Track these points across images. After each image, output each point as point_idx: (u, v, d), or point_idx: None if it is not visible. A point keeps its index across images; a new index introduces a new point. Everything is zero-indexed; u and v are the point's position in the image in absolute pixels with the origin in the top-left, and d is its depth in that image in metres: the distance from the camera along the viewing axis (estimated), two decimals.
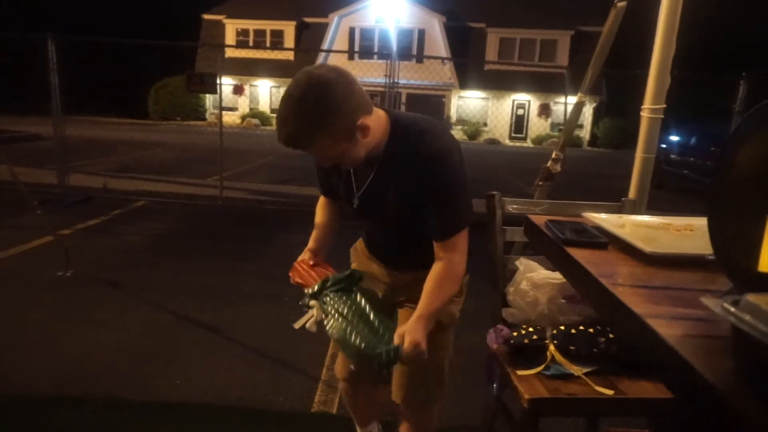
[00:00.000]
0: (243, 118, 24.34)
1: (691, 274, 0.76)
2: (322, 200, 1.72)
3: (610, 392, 1.21)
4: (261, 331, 3.28)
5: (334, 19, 23.77)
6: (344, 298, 1.42)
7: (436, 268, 1.40)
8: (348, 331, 1.34)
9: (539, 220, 1.14)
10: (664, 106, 2.15)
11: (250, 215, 6.81)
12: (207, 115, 25.55)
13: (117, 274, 4.19)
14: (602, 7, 2.28)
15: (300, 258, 1.61)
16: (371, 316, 1.40)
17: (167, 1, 33.72)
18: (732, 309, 0.48)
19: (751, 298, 0.49)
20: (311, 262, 1.58)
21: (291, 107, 1.23)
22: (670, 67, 2.09)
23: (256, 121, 24.37)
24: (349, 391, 1.86)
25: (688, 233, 1.00)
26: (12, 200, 5.80)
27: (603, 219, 1.10)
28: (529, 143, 23.84)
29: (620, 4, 2.43)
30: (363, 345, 1.31)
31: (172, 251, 5.03)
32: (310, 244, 1.64)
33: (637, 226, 1.05)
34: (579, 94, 2.91)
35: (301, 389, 2.59)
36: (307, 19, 24.27)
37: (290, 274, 1.59)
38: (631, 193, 2.10)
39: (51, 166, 7.20)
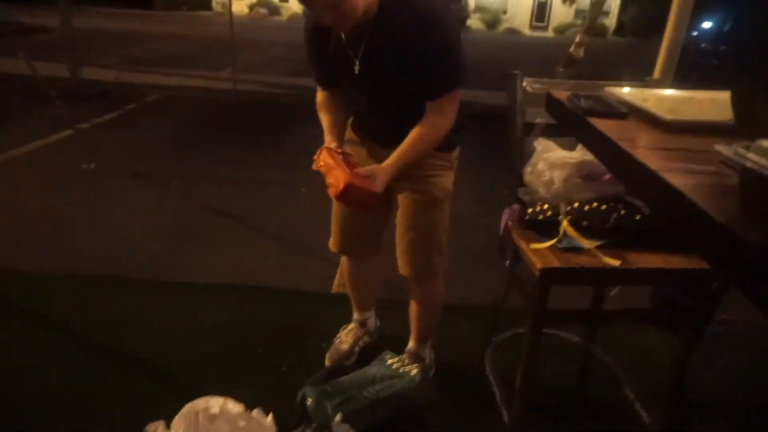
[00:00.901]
0: (251, 7, 23.23)
1: (710, 139, 0.78)
2: (321, 97, 1.69)
3: (617, 262, 1.28)
4: (283, 218, 3.41)
5: None
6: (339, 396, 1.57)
7: (419, 127, 1.49)
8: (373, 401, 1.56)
9: (561, 95, 1.15)
10: None
11: (265, 107, 6.76)
12: (213, 5, 24.42)
13: (139, 166, 4.28)
14: None
15: (325, 146, 1.57)
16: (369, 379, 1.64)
17: None
18: (743, 151, 0.51)
19: (763, 142, 0.51)
20: (338, 150, 1.55)
21: None
22: None
23: (264, 10, 23.29)
24: (350, 265, 1.96)
25: (709, 103, 1.00)
26: (26, 94, 5.81)
27: (625, 92, 1.10)
28: (550, 33, 22.62)
29: None
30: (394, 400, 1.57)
31: (191, 143, 5.09)
32: (329, 143, 1.61)
33: (659, 99, 1.05)
34: None
35: (322, 272, 2.72)
36: None
37: (315, 158, 1.55)
38: (656, 74, 2.04)
39: (61, 60, 7.08)
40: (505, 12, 22.97)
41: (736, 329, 2.03)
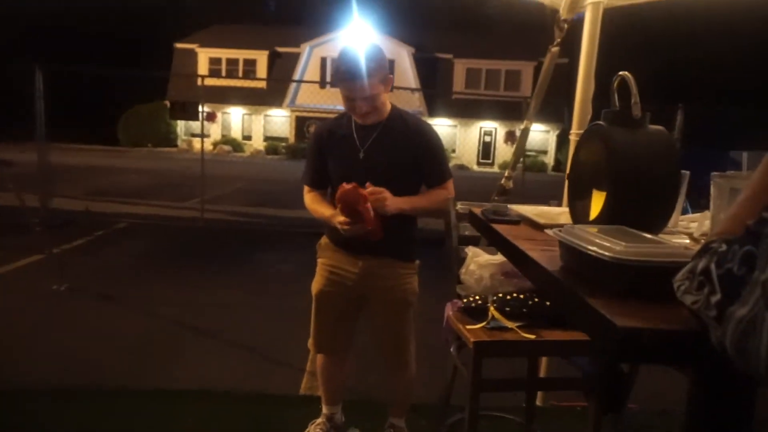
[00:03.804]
0: (215, 144, 24.56)
1: None
2: (311, 197, 2.08)
3: (532, 336, 1.64)
4: (248, 334, 3.61)
5: (305, 49, 24.34)
6: None
7: (431, 190, 2.00)
8: None
9: (478, 211, 1.60)
10: None
11: (230, 235, 7.15)
12: (178, 142, 25.68)
13: (109, 288, 4.47)
14: (563, 39, 2.79)
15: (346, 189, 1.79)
16: None
17: (138, 31, 34.02)
18: (557, 231, 0.93)
19: (567, 226, 0.93)
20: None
21: (361, 55, 1.82)
22: (591, 99, 2.61)
23: (228, 147, 24.63)
24: (326, 362, 2.23)
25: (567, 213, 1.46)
26: None
27: (522, 208, 1.56)
28: (496, 168, 24.64)
29: (554, 49, 2.96)
30: None
31: (159, 268, 5.33)
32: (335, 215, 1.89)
33: (544, 212, 1.51)
34: (525, 122, 3.42)
35: (289, 378, 2.94)
36: (280, 49, 24.79)
37: (338, 204, 1.81)
38: (564, 201, 2.57)
39: (29, 191, 7.33)
40: (454, 150, 25.07)
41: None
